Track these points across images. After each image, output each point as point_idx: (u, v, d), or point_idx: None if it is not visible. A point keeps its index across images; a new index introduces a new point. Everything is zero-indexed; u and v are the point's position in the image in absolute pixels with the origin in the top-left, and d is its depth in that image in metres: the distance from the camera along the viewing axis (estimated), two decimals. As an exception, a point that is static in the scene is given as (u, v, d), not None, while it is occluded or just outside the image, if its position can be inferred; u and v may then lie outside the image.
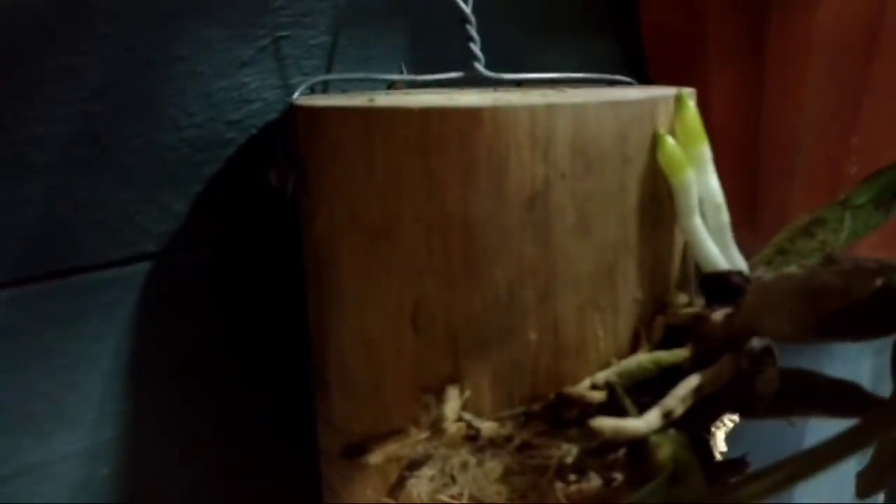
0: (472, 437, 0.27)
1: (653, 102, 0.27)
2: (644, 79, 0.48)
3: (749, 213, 0.48)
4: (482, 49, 0.35)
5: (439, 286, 0.27)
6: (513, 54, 0.42)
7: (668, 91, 0.28)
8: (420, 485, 0.28)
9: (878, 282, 0.23)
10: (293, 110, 0.30)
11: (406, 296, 0.27)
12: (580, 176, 0.26)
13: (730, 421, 0.31)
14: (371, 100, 0.29)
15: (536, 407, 0.27)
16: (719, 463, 0.28)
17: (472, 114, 0.25)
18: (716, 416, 0.28)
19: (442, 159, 0.26)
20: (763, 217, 0.47)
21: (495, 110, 0.25)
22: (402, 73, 0.37)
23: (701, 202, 0.28)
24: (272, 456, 0.35)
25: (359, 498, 0.30)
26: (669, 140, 0.27)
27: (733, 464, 0.27)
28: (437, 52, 0.38)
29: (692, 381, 0.26)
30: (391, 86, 0.36)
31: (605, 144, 0.26)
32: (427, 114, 0.26)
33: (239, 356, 0.34)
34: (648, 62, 0.47)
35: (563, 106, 0.26)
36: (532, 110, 0.25)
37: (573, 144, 0.26)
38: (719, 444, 0.31)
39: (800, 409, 0.27)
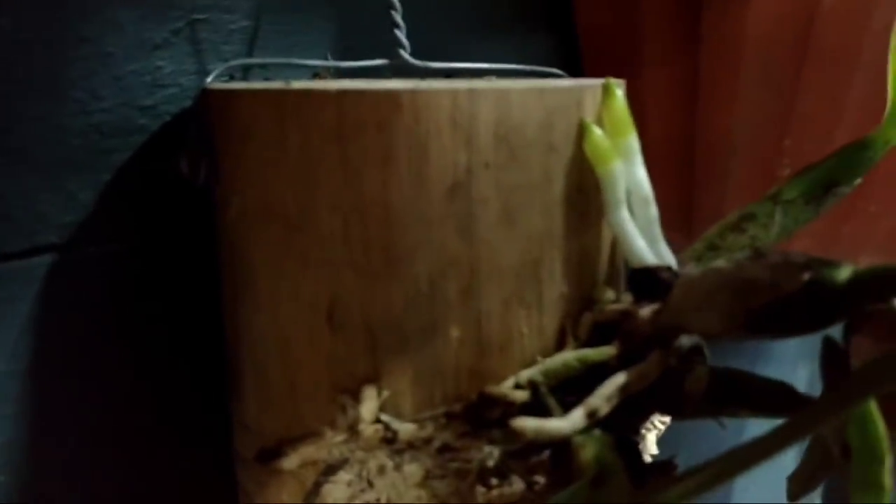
0: (389, 440, 0.25)
1: (579, 91, 0.26)
2: (580, 77, 0.47)
3: (684, 214, 0.47)
4: (413, 41, 0.34)
5: (357, 280, 0.26)
6: (445, 48, 0.41)
7: (596, 80, 0.27)
8: (336, 490, 0.26)
9: (806, 276, 0.22)
10: (205, 94, 0.28)
11: (322, 290, 0.26)
12: (504, 165, 0.25)
13: (661, 423, 0.30)
14: (287, 84, 0.27)
15: (457, 407, 0.25)
16: (647, 465, 0.27)
17: (391, 97, 0.24)
18: (644, 416, 0.27)
19: (359, 145, 0.25)
20: (698, 218, 0.47)
21: (414, 94, 0.24)
22: (328, 60, 0.36)
23: (629, 195, 0.27)
24: (185, 461, 0.34)
25: (273, 501, 0.28)
26: (596, 130, 0.26)
27: (661, 466, 0.26)
28: (367, 41, 0.36)
29: (618, 379, 0.25)
30: (316, 74, 0.35)
31: (529, 133, 0.25)
32: (343, 97, 0.24)
33: (149, 355, 0.32)
34: (584, 61, 0.46)
35: (486, 91, 0.24)
36: (453, 95, 0.24)
37: (496, 132, 0.25)
38: (650, 447, 0.30)
39: (729, 408, 0.26)
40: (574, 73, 0.46)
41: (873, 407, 0.21)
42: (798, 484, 0.28)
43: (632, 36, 0.43)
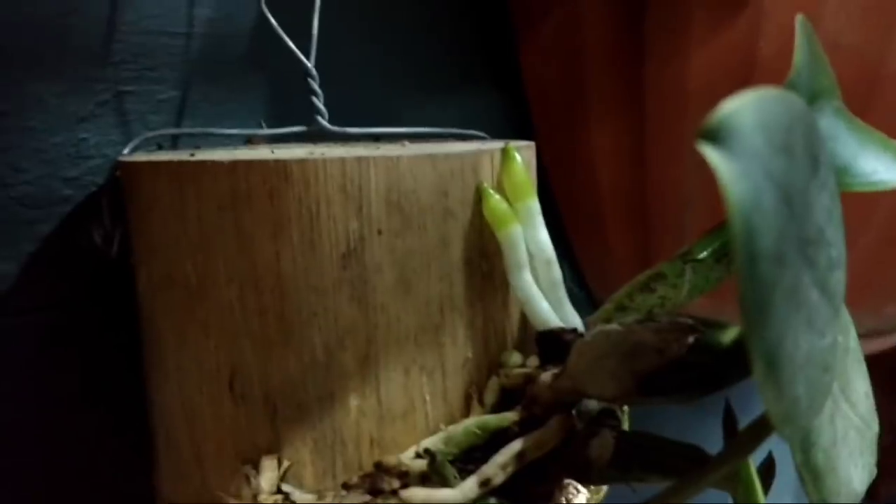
0: (288, 510, 0.25)
1: (475, 156, 0.26)
2: (530, 136, 0.47)
3: (643, 266, 0.47)
4: (354, 104, 0.34)
5: (255, 349, 0.25)
6: (386, 112, 0.41)
7: (495, 144, 0.27)
8: (242, 563, 0.26)
9: (690, 339, 0.22)
10: (117, 167, 0.29)
11: (223, 359, 0.26)
12: (398, 231, 0.25)
13: (582, 488, 0.30)
14: (192, 154, 0.27)
15: (355, 478, 0.25)
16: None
17: (280, 167, 0.24)
18: (551, 483, 0.27)
19: (252, 214, 0.25)
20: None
21: (304, 163, 0.24)
22: (262, 128, 0.36)
23: (531, 258, 0.27)
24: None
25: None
26: (493, 194, 0.26)
27: (568, 534, 0.26)
28: (299, 107, 0.37)
29: (514, 446, 0.24)
30: (248, 140, 0.35)
31: (423, 198, 0.25)
32: (235, 167, 0.25)
33: (71, 426, 0.32)
34: (534, 120, 0.47)
35: (376, 158, 0.25)
36: (342, 163, 0.24)
37: (388, 198, 0.25)
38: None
39: (638, 473, 0.26)
40: (524, 129, 0.46)
41: (752, 474, 0.21)
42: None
43: (578, 91, 0.43)
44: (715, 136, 0.14)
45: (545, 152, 0.47)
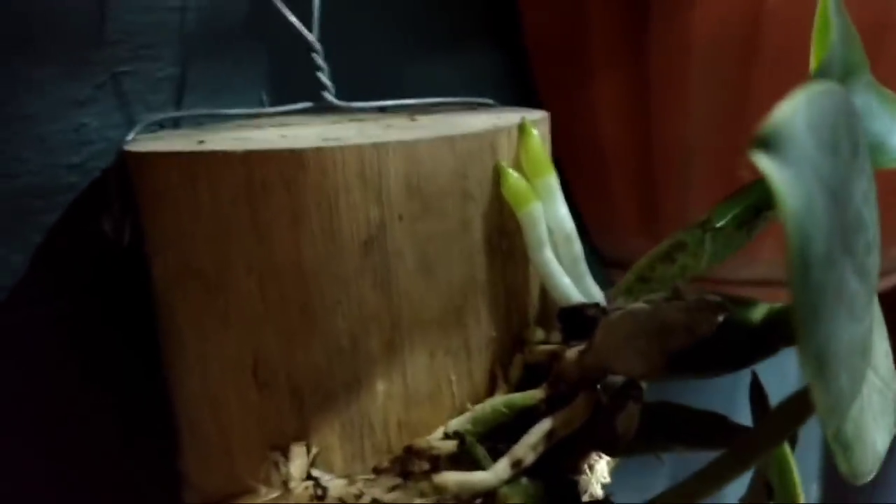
0: (320, 497, 0.25)
1: (493, 134, 0.26)
2: (532, 93, 0.46)
3: (649, 223, 0.47)
4: (353, 67, 0.33)
5: (278, 339, 0.25)
6: (390, 75, 0.41)
7: (512, 120, 0.27)
8: (274, 547, 0.26)
9: (720, 317, 0.22)
10: (124, 154, 0.28)
11: (246, 349, 0.26)
12: (418, 216, 0.25)
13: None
14: (201, 142, 0.27)
15: (385, 462, 0.25)
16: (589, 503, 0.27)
17: (296, 157, 0.24)
18: (579, 456, 0.27)
19: (268, 205, 0.24)
20: (664, 227, 0.46)
21: (319, 152, 0.24)
22: (262, 103, 0.35)
23: (551, 234, 0.26)
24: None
25: (218, 559, 0.28)
26: (512, 173, 0.26)
27: (598, 505, 0.26)
28: (301, 80, 0.36)
29: (543, 425, 0.24)
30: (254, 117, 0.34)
31: (442, 182, 0.25)
32: (249, 157, 0.24)
33: (87, 417, 0.32)
34: (535, 77, 0.46)
35: (393, 144, 0.24)
36: (360, 150, 0.24)
37: (407, 184, 0.24)
38: (599, 479, 0.30)
39: (664, 443, 0.26)
40: (524, 86, 0.46)
41: (787, 451, 0.21)
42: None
43: (580, 46, 0.43)
44: (769, 145, 0.13)
45: (548, 109, 0.46)
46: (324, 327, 0.25)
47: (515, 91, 0.46)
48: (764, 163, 0.13)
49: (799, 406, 0.20)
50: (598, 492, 0.29)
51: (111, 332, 0.32)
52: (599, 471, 0.29)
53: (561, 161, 0.47)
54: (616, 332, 0.24)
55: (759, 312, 0.22)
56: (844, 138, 0.16)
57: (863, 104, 0.22)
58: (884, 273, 0.50)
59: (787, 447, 0.21)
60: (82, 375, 0.32)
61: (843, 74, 0.21)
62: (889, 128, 0.22)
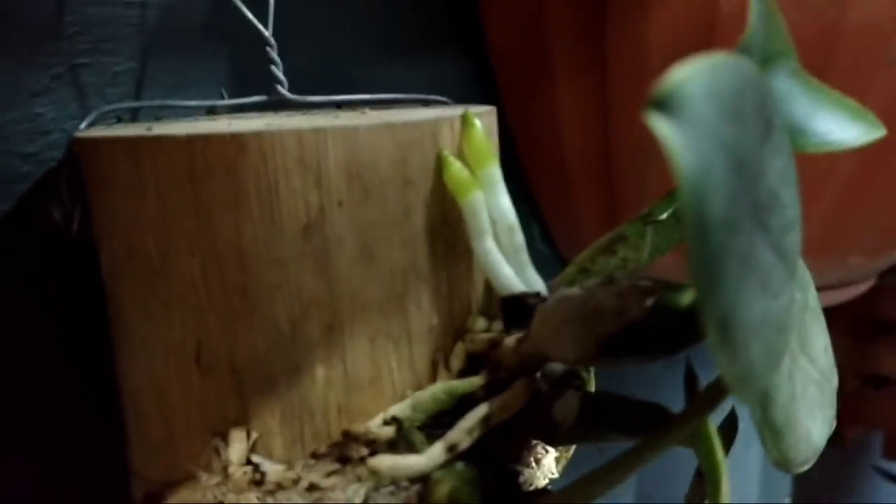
0: (258, 482, 0.25)
1: (435, 124, 0.26)
2: (496, 99, 0.47)
3: (611, 225, 0.47)
4: (316, 71, 0.33)
5: (220, 323, 0.25)
6: (352, 80, 0.41)
7: (455, 111, 0.27)
8: (214, 534, 0.26)
9: (649, 302, 0.22)
10: (74, 142, 0.28)
11: (188, 334, 0.26)
12: (358, 202, 0.25)
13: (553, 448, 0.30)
14: (149, 128, 0.27)
15: (323, 447, 0.25)
16: (527, 493, 0.27)
17: (237, 140, 0.24)
18: (518, 444, 0.27)
19: (211, 188, 0.25)
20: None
21: (260, 136, 0.24)
22: (223, 98, 0.36)
23: (494, 224, 0.27)
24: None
25: (161, 549, 0.28)
26: (454, 161, 0.26)
27: (537, 494, 0.26)
28: (261, 75, 0.36)
29: (479, 410, 0.25)
30: (211, 111, 0.35)
31: (383, 169, 0.25)
32: (192, 141, 0.24)
33: (39, 410, 0.32)
34: (499, 82, 0.46)
35: (333, 130, 0.24)
36: (299, 135, 0.24)
37: (347, 170, 0.25)
38: (546, 473, 0.30)
39: (603, 432, 0.26)
40: (488, 91, 0.46)
41: (711, 432, 0.21)
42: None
43: (541, 52, 0.43)
44: (663, 106, 0.14)
45: (511, 114, 0.47)
46: (264, 312, 0.25)
47: (479, 96, 0.47)
48: (658, 124, 0.14)
49: (720, 388, 0.20)
50: (545, 483, 0.29)
51: (67, 321, 0.32)
52: (547, 465, 0.29)
53: (525, 166, 0.48)
54: (550, 318, 0.24)
55: (688, 296, 0.23)
56: (752, 111, 0.16)
57: (785, 89, 0.22)
58: (849, 283, 0.50)
59: (710, 426, 0.22)
60: (35, 364, 0.32)
61: (764, 59, 0.22)
62: (811, 112, 0.22)
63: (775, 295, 0.18)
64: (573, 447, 0.31)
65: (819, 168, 0.41)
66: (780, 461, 0.23)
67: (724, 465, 0.21)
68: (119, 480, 0.32)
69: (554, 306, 0.24)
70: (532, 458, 0.29)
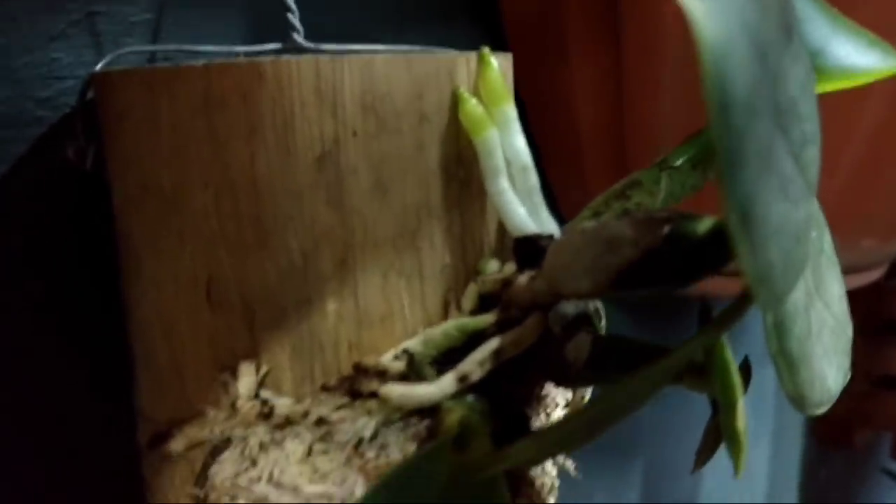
0: (266, 415, 0.25)
1: (451, 60, 0.26)
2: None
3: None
4: (325, 33, 0.33)
5: (232, 256, 0.25)
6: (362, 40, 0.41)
7: (471, 51, 0.27)
8: (222, 470, 0.26)
9: (665, 230, 0.22)
10: (90, 81, 0.28)
11: (199, 267, 0.26)
12: (373, 134, 0.25)
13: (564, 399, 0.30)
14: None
15: (333, 380, 0.25)
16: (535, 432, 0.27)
17: (254, 69, 0.24)
18: (529, 384, 0.27)
19: (226, 118, 0.25)
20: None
21: (277, 65, 0.24)
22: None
23: (508, 164, 0.27)
24: (89, 460, 0.33)
25: (167, 490, 0.28)
26: (470, 98, 0.26)
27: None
28: (275, 27, 0.36)
29: (491, 343, 0.24)
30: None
31: (398, 102, 0.25)
32: (208, 70, 0.24)
33: (52, 353, 0.32)
34: (512, 51, 0.46)
35: (350, 61, 0.24)
36: (316, 64, 0.24)
37: (363, 101, 0.25)
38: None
39: (614, 374, 0.26)
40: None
41: (727, 354, 0.21)
42: (699, 456, 0.27)
43: (556, 25, 0.43)
44: (688, -22, 0.14)
45: (523, 89, 0.47)
46: (276, 243, 0.25)
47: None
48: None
49: (736, 307, 0.20)
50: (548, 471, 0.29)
51: (78, 260, 0.32)
52: (557, 417, 0.29)
53: (536, 142, 0.48)
54: (564, 250, 0.24)
55: (705, 224, 0.22)
56: (775, 11, 0.16)
57: (801, 8, 0.22)
58: (861, 268, 0.50)
59: (727, 351, 0.21)
60: (46, 307, 0.32)
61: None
62: (829, 36, 0.22)
63: (795, 203, 0.18)
64: (586, 397, 0.31)
65: (832, 144, 0.41)
66: (795, 396, 0.23)
67: (739, 388, 0.21)
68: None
69: (568, 239, 0.24)
70: (542, 410, 0.29)
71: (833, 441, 0.79)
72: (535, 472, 0.29)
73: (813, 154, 0.19)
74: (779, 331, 0.21)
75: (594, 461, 0.62)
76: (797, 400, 0.23)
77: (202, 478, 0.27)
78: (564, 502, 0.31)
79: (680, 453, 0.65)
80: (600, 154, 0.46)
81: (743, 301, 0.19)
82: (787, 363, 0.22)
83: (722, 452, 0.23)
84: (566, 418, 0.22)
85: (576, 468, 0.31)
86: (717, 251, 0.22)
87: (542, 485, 0.29)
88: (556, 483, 0.30)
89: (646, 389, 0.21)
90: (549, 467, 0.29)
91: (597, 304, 0.28)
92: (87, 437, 0.33)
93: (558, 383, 0.27)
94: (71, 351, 0.32)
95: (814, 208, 0.22)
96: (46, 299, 0.32)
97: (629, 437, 0.62)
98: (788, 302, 0.20)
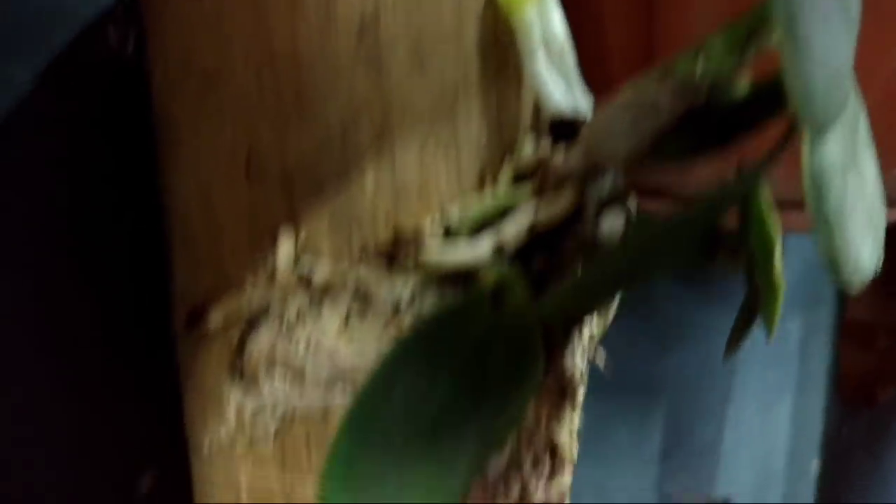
0: (306, 280, 0.25)
1: (490, -65, 0.26)
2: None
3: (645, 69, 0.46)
4: None
5: (271, 128, 0.26)
6: None
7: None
8: (259, 341, 0.27)
9: (704, 91, 0.22)
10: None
11: (239, 141, 0.26)
12: (412, 8, 0.25)
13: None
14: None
15: (371, 248, 0.25)
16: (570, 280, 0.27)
17: (296, -63, 0.24)
18: (563, 257, 0.27)
19: (268, -12, 0.25)
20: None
21: (319, -68, 0.24)
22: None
23: (545, 44, 0.27)
24: (121, 350, 0.34)
25: (205, 371, 0.28)
26: (508, -26, 0.26)
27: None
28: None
29: (527, 213, 0.25)
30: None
31: (437, -25, 0.25)
32: (251, -60, 0.25)
33: (91, 248, 0.32)
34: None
35: (391, -71, 0.25)
36: (357, -68, 0.24)
37: (403, -29, 0.25)
38: (585, 342, 0.30)
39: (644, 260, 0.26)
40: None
41: (763, 201, 0.21)
42: (729, 343, 0.28)
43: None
44: None
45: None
46: (315, 114, 0.25)
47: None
48: None
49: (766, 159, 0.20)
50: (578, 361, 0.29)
51: (120, 158, 0.32)
52: (586, 335, 0.29)
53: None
54: (601, 117, 0.24)
55: (743, 86, 0.23)
56: None
57: None
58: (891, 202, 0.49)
59: (763, 203, 0.21)
60: (86, 203, 0.32)
61: None
62: None
63: (836, 35, 0.18)
64: (611, 315, 0.31)
65: (862, 70, 0.41)
66: (831, 257, 0.23)
67: (777, 236, 0.21)
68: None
69: (606, 107, 0.24)
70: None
71: (856, 399, 0.79)
72: (567, 359, 0.29)
73: (854, 13, 0.19)
74: (818, 167, 0.21)
75: (616, 403, 0.63)
76: (833, 263, 0.23)
77: (238, 351, 0.27)
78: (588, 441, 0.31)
79: (694, 455, 0.65)
80: (629, 47, 0.45)
81: (780, 145, 0.20)
82: (824, 221, 0.22)
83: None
84: (600, 261, 0.22)
85: (606, 366, 0.31)
86: (755, 110, 0.23)
87: (572, 375, 0.30)
88: (585, 379, 0.30)
89: (682, 234, 0.21)
90: (579, 359, 0.30)
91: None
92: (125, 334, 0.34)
93: (587, 261, 0.27)
94: (106, 251, 0.33)
95: (854, 93, 0.22)
96: (87, 192, 0.32)
97: (651, 382, 0.62)
98: (829, 145, 0.20)
